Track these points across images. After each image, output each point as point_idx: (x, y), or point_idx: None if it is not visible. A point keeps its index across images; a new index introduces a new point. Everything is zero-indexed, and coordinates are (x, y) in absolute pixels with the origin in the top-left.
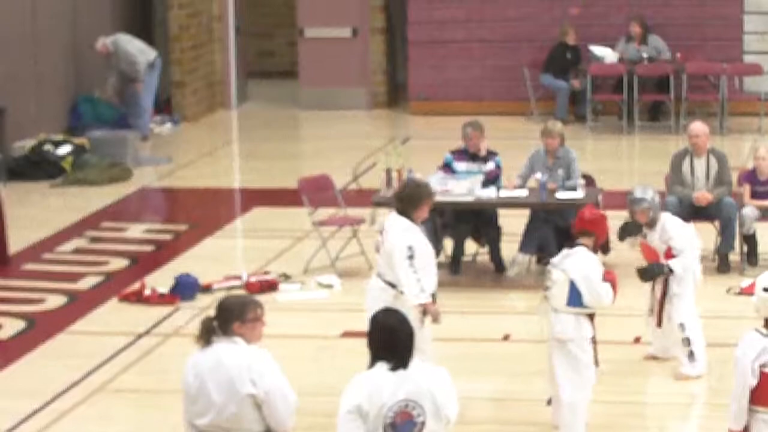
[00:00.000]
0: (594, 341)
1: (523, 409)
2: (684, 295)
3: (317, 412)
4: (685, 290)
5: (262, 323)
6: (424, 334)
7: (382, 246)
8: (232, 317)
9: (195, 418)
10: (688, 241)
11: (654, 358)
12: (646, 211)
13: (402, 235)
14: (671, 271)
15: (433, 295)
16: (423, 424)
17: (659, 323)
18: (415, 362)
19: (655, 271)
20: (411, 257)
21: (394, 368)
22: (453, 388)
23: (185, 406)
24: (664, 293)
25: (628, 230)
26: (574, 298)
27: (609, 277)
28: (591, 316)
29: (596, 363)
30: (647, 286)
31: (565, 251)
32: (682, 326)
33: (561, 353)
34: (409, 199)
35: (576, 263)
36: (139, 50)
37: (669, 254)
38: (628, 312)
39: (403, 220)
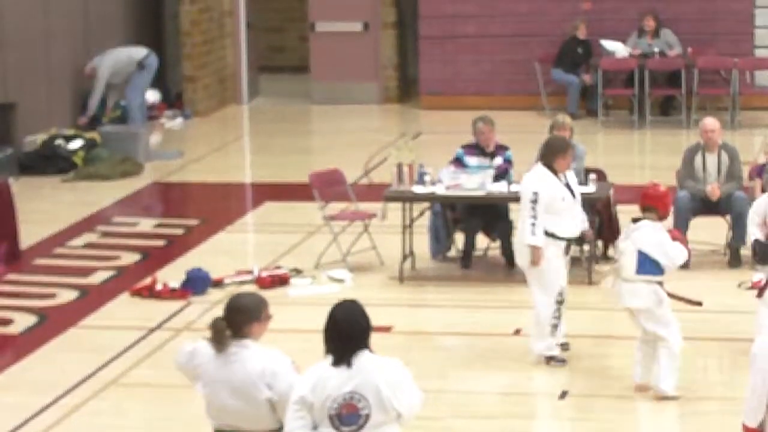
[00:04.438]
0: (672, 296)
1: (533, 403)
2: None
3: None
4: None
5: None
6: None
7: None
8: (251, 318)
9: (211, 420)
10: None
11: None
12: None
13: (531, 181)
14: None
15: (574, 239)
16: (367, 416)
17: None
18: (365, 355)
19: None
20: (534, 201)
21: (335, 363)
22: (405, 381)
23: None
24: None
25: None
26: (643, 266)
27: (675, 234)
28: (660, 284)
29: (695, 302)
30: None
31: (631, 226)
32: None
33: (647, 319)
34: (547, 149)
35: (644, 234)
36: (127, 55)
37: None
38: None
39: (540, 168)
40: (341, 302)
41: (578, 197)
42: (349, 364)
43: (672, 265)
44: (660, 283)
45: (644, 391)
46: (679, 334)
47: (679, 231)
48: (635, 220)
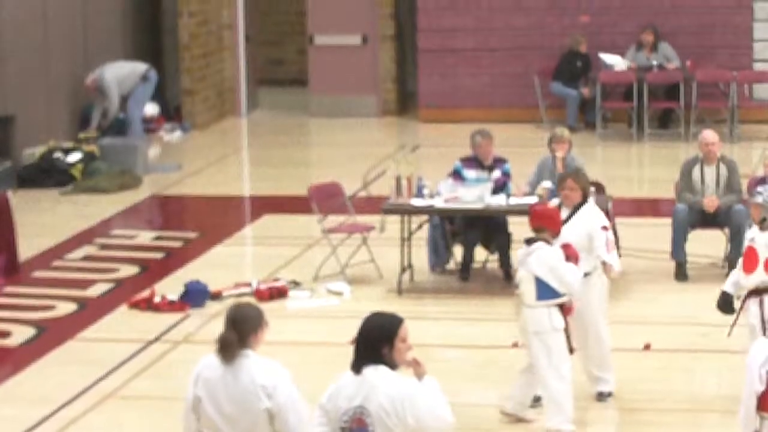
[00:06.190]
0: (566, 331)
1: (531, 415)
2: None
3: None
4: None
5: None
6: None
7: None
8: (255, 326)
9: (204, 430)
10: None
11: None
12: (759, 207)
13: None
14: None
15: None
16: None
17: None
18: (379, 369)
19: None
20: None
21: (351, 368)
22: (419, 401)
23: (189, 416)
24: None
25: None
26: (543, 291)
27: (570, 252)
28: (561, 307)
29: (570, 351)
30: (659, 295)
31: (526, 249)
32: None
33: (540, 347)
34: None
35: (537, 260)
36: (129, 67)
37: None
38: (639, 320)
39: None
40: (376, 312)
41: (595, 240)
42: (358, 371)
43: (567, 291)
44: (560, 306)
45: (509, 420)
46: (563, 375)
47: (572, 246)
48: (528, 242)
